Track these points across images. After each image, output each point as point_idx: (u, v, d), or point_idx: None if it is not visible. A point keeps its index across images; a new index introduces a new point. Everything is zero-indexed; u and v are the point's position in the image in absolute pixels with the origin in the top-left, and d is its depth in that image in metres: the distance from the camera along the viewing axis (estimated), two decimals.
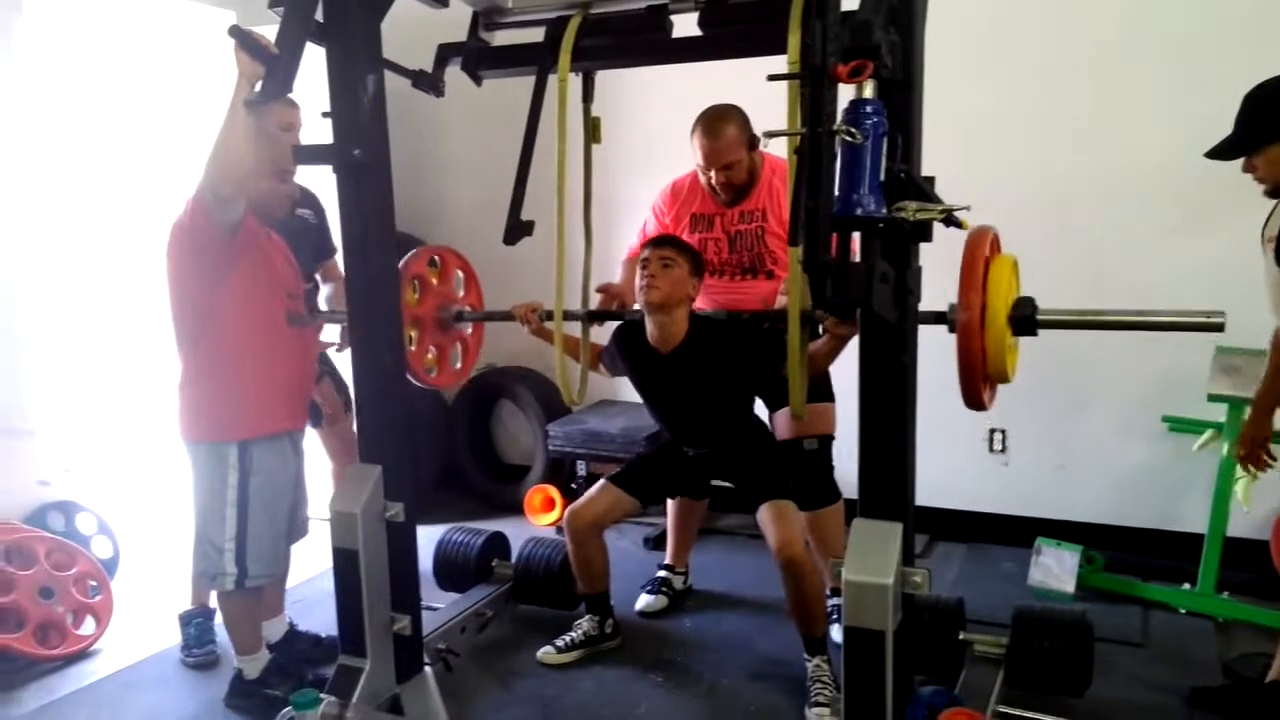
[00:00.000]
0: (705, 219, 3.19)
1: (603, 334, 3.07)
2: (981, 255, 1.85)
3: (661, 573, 3.60)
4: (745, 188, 3.12)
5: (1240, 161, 2.41)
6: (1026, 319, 1.90)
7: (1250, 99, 2.31)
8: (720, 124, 3.00)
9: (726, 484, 3.10)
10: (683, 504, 3.52)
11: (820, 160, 1.63)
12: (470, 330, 3.14)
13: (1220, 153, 2.36)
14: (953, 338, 1.90)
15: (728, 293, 3.21)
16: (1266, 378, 2.58)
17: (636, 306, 2.92)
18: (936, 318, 2.03)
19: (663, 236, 2.96)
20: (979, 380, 1.88)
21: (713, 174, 3.06)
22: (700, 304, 3.01)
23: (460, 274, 3.09)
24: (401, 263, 2.79)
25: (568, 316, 2.71)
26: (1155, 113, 3.58)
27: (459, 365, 3.14)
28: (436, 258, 3.01)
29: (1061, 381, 3.88)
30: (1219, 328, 1.86)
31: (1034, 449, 3.98)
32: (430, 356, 2.96)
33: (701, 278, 2.90)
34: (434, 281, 2.97)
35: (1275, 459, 2.70)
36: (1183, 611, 3.33)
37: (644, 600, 3.51)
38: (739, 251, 3.18)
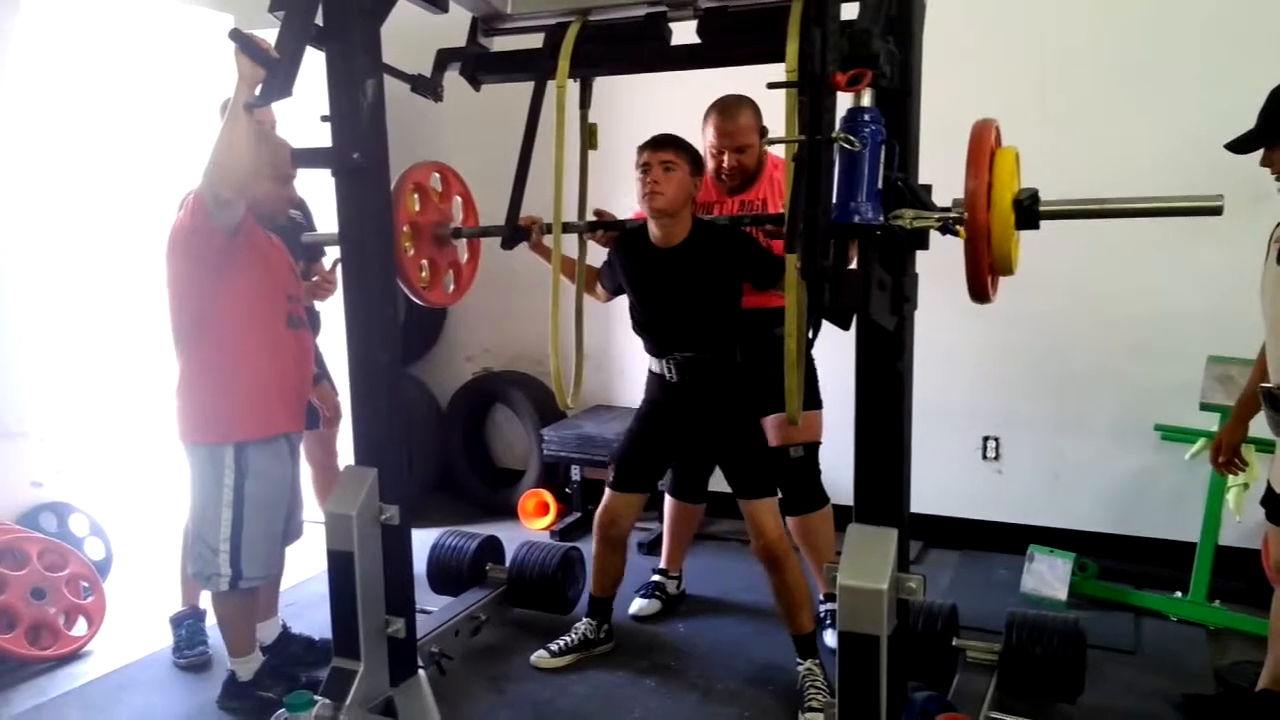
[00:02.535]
0: (704, 207, 3.14)
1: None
2: (988, 143, 1.84)
3: (655, 577, 3.60)
4: (751, 177, 3.11)
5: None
6: (1029, 206, 1.86)
7: (1275, 93, 2.32)
8: (737, 107, 3.02)
9: (712, 445, 3.00)
10: (679, 508, 3.52)
11: (819, 167, 1.64)
12: (466, 257, 3.15)
13: (1240, 145, 2.36)
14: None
15: None
16: (1247, 385, 2.64)
17: (630, 216, 2.91)
18: (940, 221, 1.89)
19: (660, 137, 2.79)
20: (984, 268, 1.85)
21: (725, 157, 3.04)
22: None
23: (459, 199, 3.10)
24: (405, 171, 2.79)
25: (567, 229, 2.70)
26: (1151, 116, 3.59)
27: (452, 289, 3.12)
28: (439, 174, 3.00)
29: (1055, 390, 3.90)
30: (1217, 211, 1.85)
31: (1027, 457, 3.99)
32: (424, 274, 2.95)
33: (702, 175, 2.86)
34: (435, 199, 2.97)
35: (1247, 463, 2.76)
36: (1174, 619, 3.34)
37: (637, 604, 3.51)
38: None
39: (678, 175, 2.73)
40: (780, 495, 3.06)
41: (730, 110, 3.02)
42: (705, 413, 2.95)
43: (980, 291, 1.91)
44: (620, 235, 2.97)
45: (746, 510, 2.92)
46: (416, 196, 2.90)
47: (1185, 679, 2.94)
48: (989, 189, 1.82)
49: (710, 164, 3.07)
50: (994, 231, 1.83)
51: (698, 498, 3.52)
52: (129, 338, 4.17)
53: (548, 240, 2.83)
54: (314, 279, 3.18)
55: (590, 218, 2.99)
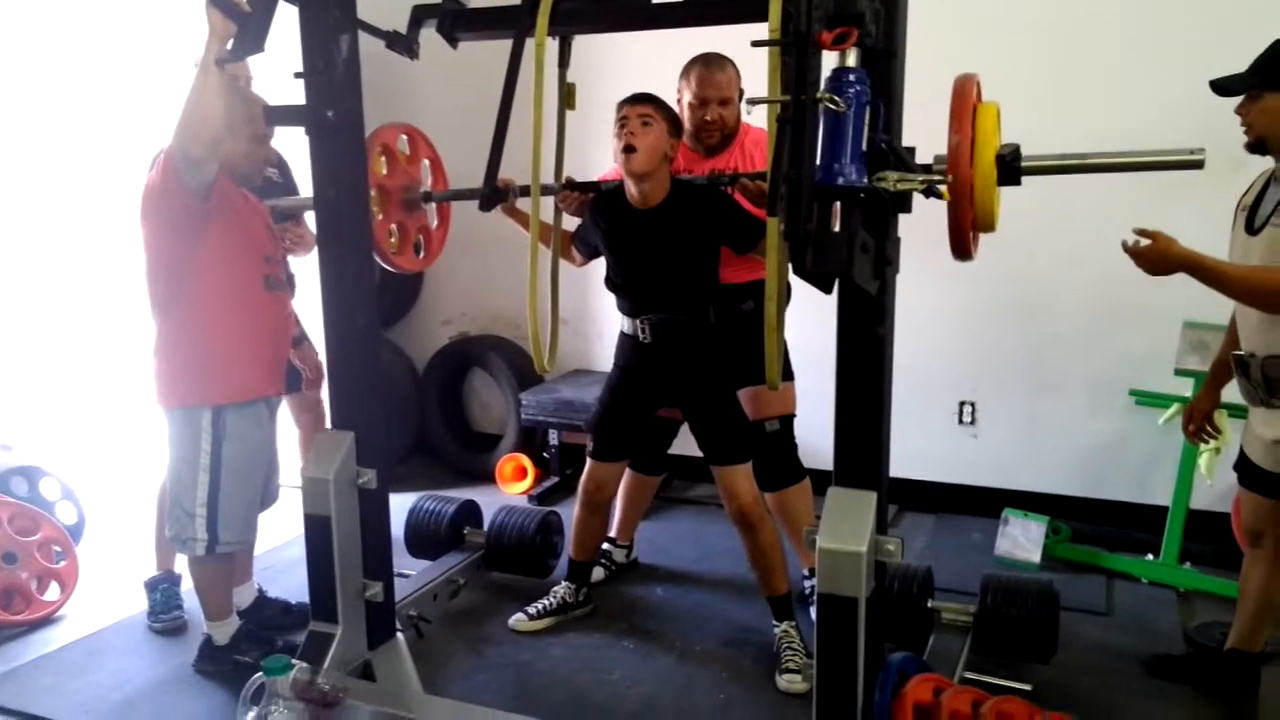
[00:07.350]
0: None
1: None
2: (970, 98, 1.82)
3: (604, 545, 3.52)
4: (727, 140, 3.05)
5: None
6: (1011, 162, 1.87)
7: (1276, 43, 2.29)
8: (720, 60, 2.98)
9: (684, 408, 2.99)
10: (634, 479, 3.47)
11: (804, 128, 1.62)
12: (435, 222, 3.10)
13: (1225, 86, 2.32)
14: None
15: None
16: (1219, 353, 2.67)
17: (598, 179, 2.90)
18: (924, 184, 1.87)
19: (639, 94, 2.77)
20: (966, 224, 1.84)
21: (708, 110, 2.97)
22: None
23: (428, 162, 3.05)
24: (372, 132, 2.72)
25: (543, 191, 2.63)
26: (1132, 82, 3.58)
27: (422, 255, 3.08)
28: (406, 136, 2.95)
29: (1031, 355, 3.92)
30: (1199, 165, 1.86)
31: (1003, 421, 4.02)
32: (393, 239, 2.91)
33: (679, 137, 2.82)
34: (402, 161, 2.93)
35: (1220, 430, 2.78)
36: (1145, 582, 3.39)
37: None
38: None
39: (655, 130, 2.69)
40: (756, 470, 3.05)
41: (714, 62, 2.97)
42: (677, 375, 2.94)
43: (963, 248, 1.90)
44: (596, 197, 2.93)
45: (719, 476, 2.92)
46: (384, 159, 2.84)
47: (1155, 640, 2.99)
48: (972, 144, 1.81)
49: (688, 123, 2.99)
50: (977, 188, 1.82)
51: (655, 469, 3.50)
52: (100, 298, 4.10)
53: (522, 204, 2.78)
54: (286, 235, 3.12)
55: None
